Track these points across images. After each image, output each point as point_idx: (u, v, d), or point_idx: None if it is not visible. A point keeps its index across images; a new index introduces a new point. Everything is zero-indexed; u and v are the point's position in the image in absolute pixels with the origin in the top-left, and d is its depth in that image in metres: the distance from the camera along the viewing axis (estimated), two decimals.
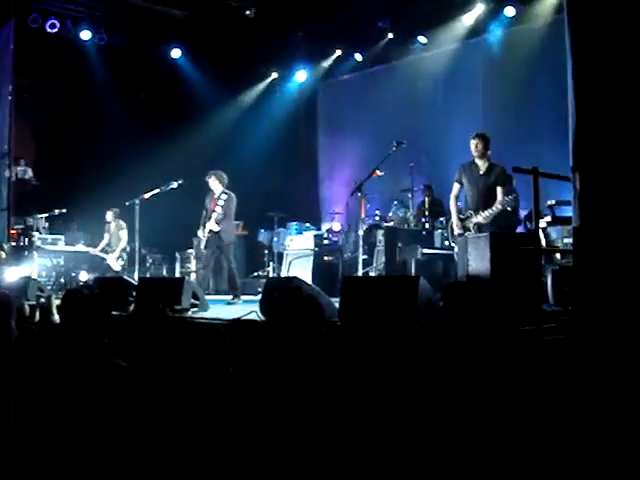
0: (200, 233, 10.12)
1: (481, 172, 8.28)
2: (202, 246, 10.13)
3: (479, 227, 8.13)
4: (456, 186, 8.56)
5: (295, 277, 8.09)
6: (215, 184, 10.07)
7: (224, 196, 9.93)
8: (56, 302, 6.89)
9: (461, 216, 8.44)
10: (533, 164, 5.02)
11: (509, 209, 8.18)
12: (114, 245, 13.19)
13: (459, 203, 8.74)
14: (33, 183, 15.46)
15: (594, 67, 4.34)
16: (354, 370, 4.19)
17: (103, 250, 13.23)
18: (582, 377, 4.05)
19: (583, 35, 4.42)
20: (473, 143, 8.26)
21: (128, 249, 13.04)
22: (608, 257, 4.12)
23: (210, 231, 9.86)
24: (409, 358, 3.52)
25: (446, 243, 9.33)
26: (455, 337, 3.37)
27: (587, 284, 4.20)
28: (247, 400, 3.23)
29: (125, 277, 9.95)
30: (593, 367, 4.03)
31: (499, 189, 8.17)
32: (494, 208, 8.04)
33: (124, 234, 13.03)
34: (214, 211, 9.83)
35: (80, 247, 13.41)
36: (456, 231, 8.45)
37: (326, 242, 12.80)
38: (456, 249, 8.45)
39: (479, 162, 8.31)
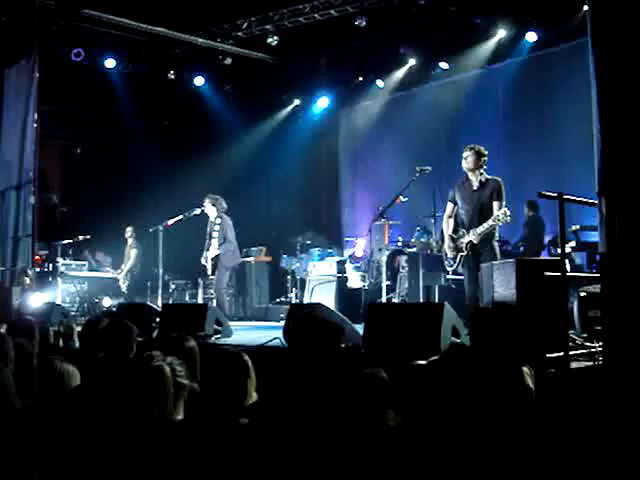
0: (202, 260, 10.19)
1: (474, 187, 7.86)
2: (209, 273, 10.17)
3: (472, 247, 7.74)
4: (450, 206, 8.14)
5: (319, 303, 8.06)
6: (209, 208, 10.13)
7: (218, 220, 10.01)
8: (77, 328, 6.94)
9: (453, 236, 8.01)
10: (556, 189, 4.99)
11: (500, 224, 7.66)
12: (123, 264, 13.16)
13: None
14: (59, 209, 15.60)
15: (619, 91, 4.32)
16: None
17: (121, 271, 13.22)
18: (610, 406, 3.99)
19: (607, 58, 4.40)
20: (464, 156, 7.89)
21: (135, 272, 13.06)
22: (636, 283, 4.07)
23: (213, 257, 9.92)
24: (434, 386, 3.47)
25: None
26: (481, 364, 3.32)
27: (615, 311, 4.14)
28: (271, 427, 3.20)
29: (149, 303, 9.96)
30: (622, 396, 3.97)
31: (495, 204, 7.69)
32: (485, 225, 7.58)
33: (134, 254, 13.03)
34: (212, 237, 9.88)
35: (99, 258, 13.39)
36: (449, 253, 8.03)
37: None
38: (450, 270, 8.20)
39: (472, 177, 7.89)
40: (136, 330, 4.94)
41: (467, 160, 7.88)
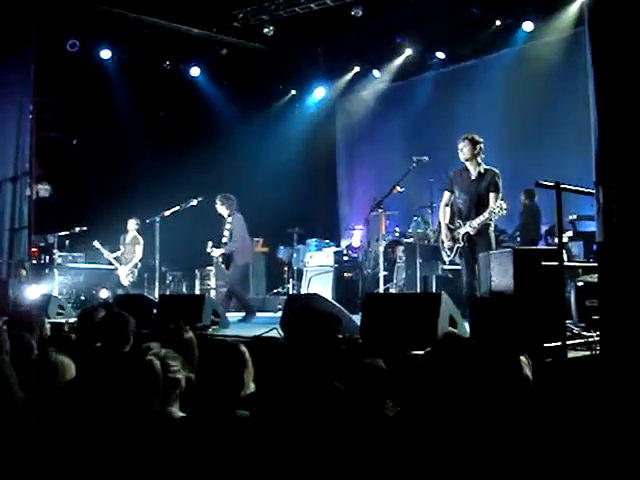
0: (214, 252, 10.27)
1: (472, 177, 7.80)
2: (225, 269, 10.23)
3: (468, 238, 7.72)
4: (446, 194, 8.09)
5: (316, 294, 8.05)
6: (220, 208, 10.19)
7: (230, 219, 10.07)
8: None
9: (451, 226, 7.96)
10: (554, 178, 4.98)
11: (496, 217, 7.61)
12: (127, 259, 12.87)
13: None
14: (53, 201, 15.56)
15: (616, 80, 4.31)
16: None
17: (117, 259, 12.91)
18: (607, 395, 4.00)
19: (604, 47, 4.39)
20: (459, 147, 7.82)
21: (139, 265, 12.90)
22: (633, 273, 4.07)
23: (221, 255, 10.03)
24: (431, 376, 3.47)
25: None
26: (479, 354, 3.32)
27: (612, 300, 4.14)
28: (269, 418, 3.20)
29: (145, 294, 9.96)
30: (619, 385, 3.97)
31: (492, 195, 7.66)
32: (481, 217, 7.55)
33: (139, 250, 12.76)
34: (223, 235, 9.95)
35: (97, 244, 13.12)
36: (446, 243, 7.99)
37: (346, 258, 12.76)
38: (446, 259, 8.15)
39: (470, 167, 7.84)
40: (133, 322, 4.94)
41: (463, 151, 7.82)
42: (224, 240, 10.04)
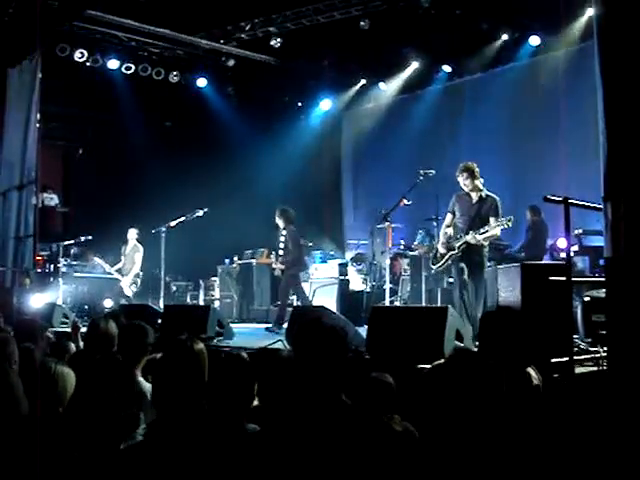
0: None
1: (473, 201, 7.97)
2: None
3: (468, 246, 7.78)
4: (449, 216, 8.23)
5: (322, 306, 8.05)
6: (278, 220, 10.55)
7: (284, 232, 10.45)
8: (82, 329, 6.90)
9: (450, 240, 8.08)
10: (559, 192, 4.97)
11: (505, 227, 7.64)
12: (128, 269, 12.78)
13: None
14: (59, 210, 15.59)
15: (626, 94, 4.30)
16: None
17: (118, 271, 12.84)
18: (615, 411, 3.98)
19: (614, 60, 4.38)
20: (460, 180, 7.99)
21: (141, 275, 12.82)
22: None
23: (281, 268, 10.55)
24: (439, 390, 3.46)
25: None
26: (488, 368, 3.30)
27: (620, 316, 4.13)
28: (273, 430, 3.19)
29: (150, 304, 9.95)
30: (627, 400, 3.95)
31: (492, 219, 7.78)
32: (487, 227, 7.67)
33: (139, 258, 12.70)
34: (279, 248, 10.48)
35: (97, 260, 13.12)
36: (440, 250, 8.12)
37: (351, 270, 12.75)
38: (434, 267, 8.28)
39: (472, 192, 8.01)
40: (152, 332, 4.95)
41: (465, 183, 7.96)
42: (281, 252, 10.47)
